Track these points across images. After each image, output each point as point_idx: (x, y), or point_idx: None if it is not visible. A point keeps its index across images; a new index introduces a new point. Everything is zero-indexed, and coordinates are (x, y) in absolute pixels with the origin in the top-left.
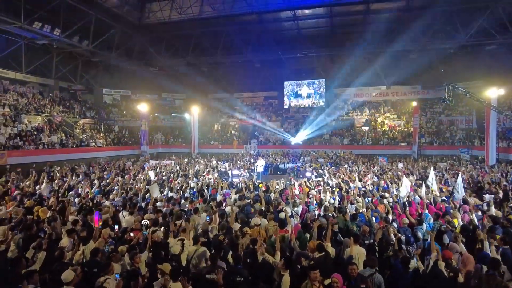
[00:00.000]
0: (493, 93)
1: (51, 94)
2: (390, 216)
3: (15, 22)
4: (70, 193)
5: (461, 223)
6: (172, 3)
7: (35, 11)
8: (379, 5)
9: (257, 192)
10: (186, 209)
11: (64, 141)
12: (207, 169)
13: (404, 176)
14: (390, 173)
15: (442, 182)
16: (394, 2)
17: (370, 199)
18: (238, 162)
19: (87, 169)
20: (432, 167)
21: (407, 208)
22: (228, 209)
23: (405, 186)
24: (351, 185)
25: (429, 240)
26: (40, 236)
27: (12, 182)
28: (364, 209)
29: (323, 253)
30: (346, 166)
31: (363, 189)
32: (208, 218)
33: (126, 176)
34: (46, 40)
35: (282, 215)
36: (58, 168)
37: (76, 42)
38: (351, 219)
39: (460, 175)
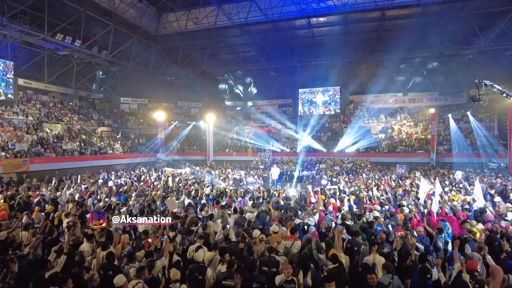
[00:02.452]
0: None
1: (70, 103)
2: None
3: (39, 34)
4: (89, 199)
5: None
6: (188, 13)
7: (57, 23)
8: (395, 12)
9: (275, 199)
10: (201, 216)
11: (83, 149)
12: (222, 176)
13: (422, 178)
14: (408, 181)
15: (454, 190)
16: (410, 8)
17: (387, 207)
18: (254, 170)
19: (105, 175)
20: (436, 180)
21: (426, 218)
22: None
23: (423, 189)
24: (369, 193)
25: (450, 249)
26: (61, 240)
27: (34, 189)
28: (382, 218)
29: (337, 264)
30: (364, 175)
31: (381, 197)
32: (228, 225)
33: (143, 183)
34: (67, 51)
35: (296, 221)
36: (73, 175)
37: (95, 52)
38: (368, 227)
39: (478, 181)
